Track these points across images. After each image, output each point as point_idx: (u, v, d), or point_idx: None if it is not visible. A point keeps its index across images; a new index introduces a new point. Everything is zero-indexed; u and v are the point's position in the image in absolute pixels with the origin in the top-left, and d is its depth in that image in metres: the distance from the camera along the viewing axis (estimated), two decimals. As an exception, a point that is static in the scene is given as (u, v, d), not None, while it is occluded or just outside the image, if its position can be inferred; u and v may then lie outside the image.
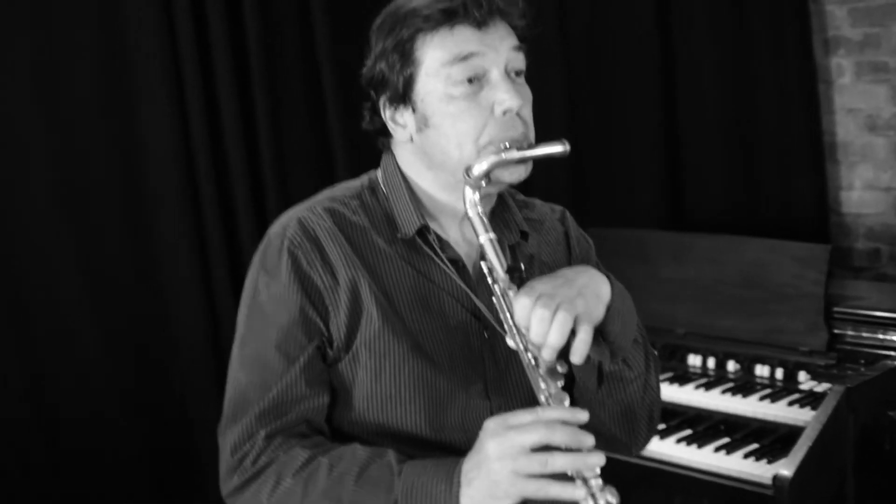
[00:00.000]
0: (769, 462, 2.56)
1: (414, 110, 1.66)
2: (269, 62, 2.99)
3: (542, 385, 1.48)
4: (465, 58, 1.60)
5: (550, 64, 3.53)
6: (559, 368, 1.49)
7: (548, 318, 1.45)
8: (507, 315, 1.53)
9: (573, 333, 1.47)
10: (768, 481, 2.46)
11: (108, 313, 2.82)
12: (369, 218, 1.68)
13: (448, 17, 1.60)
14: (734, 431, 2.73)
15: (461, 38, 1.61)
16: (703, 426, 2.79)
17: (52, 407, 2.75)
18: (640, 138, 3.66)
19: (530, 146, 1.61)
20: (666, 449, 2.72)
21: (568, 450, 1.43)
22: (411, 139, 1.68)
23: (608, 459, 1.43)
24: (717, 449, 2.66)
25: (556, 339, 1.45)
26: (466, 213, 1.58)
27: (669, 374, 2.95)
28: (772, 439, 2.66)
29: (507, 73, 1.63)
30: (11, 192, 2.69)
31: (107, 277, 2.83)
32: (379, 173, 1.75)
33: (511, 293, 1.52)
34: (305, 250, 1.61)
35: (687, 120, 3.66)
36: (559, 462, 1.40)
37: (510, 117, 1.61)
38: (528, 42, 1.68)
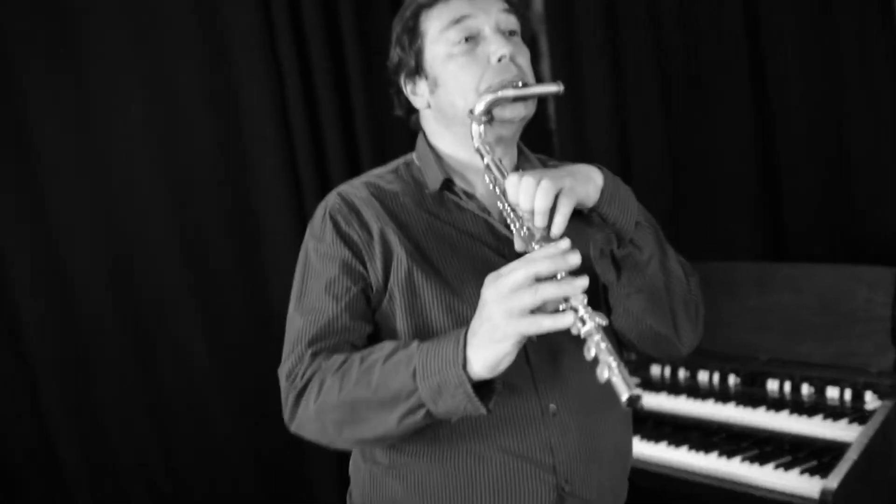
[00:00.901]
0: (822, 478, 2.62)
1: (426, 77, 1.88)
2: (369, 92, 3.36)
3: (537, 248, 1.61)
4: (458, 20, 1.83)
5: (648, 92, 3.74)
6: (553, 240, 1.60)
7: (533, 185, 1.61)
8: (504, 202, 1.69)
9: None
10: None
11: (216, 324, 3.24)
12: (401, 185, 1.92)
13: None
14: (798, 451, 2.79)
15: (454, 5, 1.85)
16: (771, 447, 2.87)
17: (166, 410, 3.17)
18: (734, 166, 3.75)
19: (525, 85, 1.79)
20: (733, 468, 2.82)
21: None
22: (429, 105, 1.91)
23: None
24: (777, 466, 2.73)
25: (541, 202, 1.59)
26: (474, 147, 1.77)
27: (746, 399, 3.04)
28: (830, 457, 2.71)
29: (499, 30, 1.84)
30: (130, 210, 3.14)
31: (216, 288, 3.25)
32: (413, 153, 2.00)
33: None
34: (344, 214, 1.86)
35: (783, 146, 3.71)
36: (548, 290, 1.50)
37: (504, 64, 1.80)
38: (517, 9, 1.88)
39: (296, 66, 3.32)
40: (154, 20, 3.20)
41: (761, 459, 2.79)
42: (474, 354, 1.58)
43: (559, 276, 1.54)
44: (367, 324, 1.84)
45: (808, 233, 3.67)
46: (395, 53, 1.94)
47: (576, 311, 1.50)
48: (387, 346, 1.72)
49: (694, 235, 3.76)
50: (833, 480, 2.51)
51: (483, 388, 1.62)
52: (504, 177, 1.71)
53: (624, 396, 1.43)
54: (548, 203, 1.60)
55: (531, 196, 1.61)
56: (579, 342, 1.52)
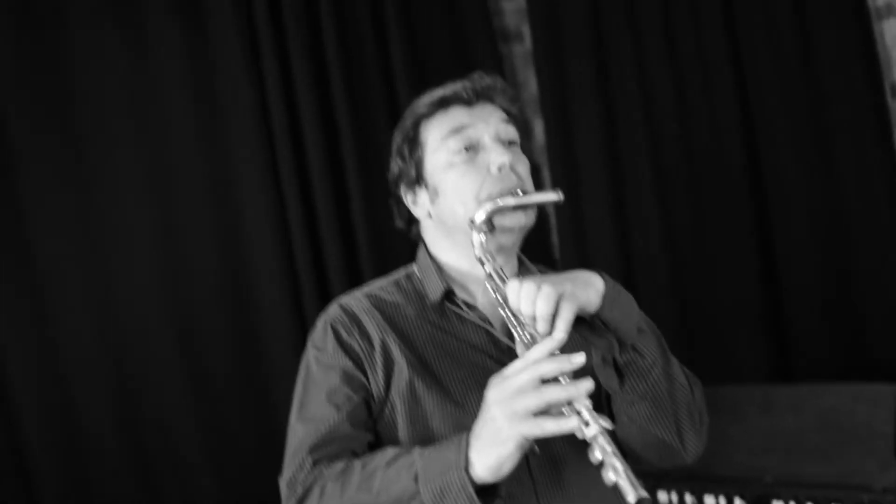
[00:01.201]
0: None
1: (426, 187, 1.91)
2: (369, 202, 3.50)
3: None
4: (458, 129, 1.87)
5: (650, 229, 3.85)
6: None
7: (534, 291, 1.62)
8: (506, 309, 1.70)
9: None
10: None
11: (219, 440, 3.31)
12: (402, 297, 1.94)
13: (441, 104, 1.91)
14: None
15: (454, 115, 1.90)
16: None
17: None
18: (738, 291, 3.80)
19: (525, 193, 1.83)
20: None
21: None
22: (429, 214, 1.93)
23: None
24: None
25: (542, 307, 1.59)
26: (475, 255, 1.78)
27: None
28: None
29: (498, 139, 1.88)
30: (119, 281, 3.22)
31: (217, 400, 3.31)
32: (414, 265, 2.02)
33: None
34: (345, 324, 1.88)
35: (785, 267, 3.76)
36: (552, 392, 1.52)
37: (505, 173, 1.84)
38: (516, 119, 1.93)
39: (296, 183, 3.49)
40: (159, 135, 3.37)
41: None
42: (477, 457, 1.58)
43: (563, 380, 1.56)
44: (369, 433, 1.85)
45: (811, 350, 3.67)
46: (395, 164, 1.98)
47: (580, 414, 1.51)
48: (388, 451, 1.73)
49: (699, 354, 3.78)
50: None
51: (485, 494, 1.61)
52: (505, 283, 1.73)
53: (632, 499, 1.43)
54: (549, 308, 1.61)
55: (532, 301, 1.62)
56: (581, 451, 1.54)
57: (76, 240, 3.24)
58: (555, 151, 4.00)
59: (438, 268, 1.96)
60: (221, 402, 3.36)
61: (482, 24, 3.92)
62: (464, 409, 1.81)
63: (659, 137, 3.90)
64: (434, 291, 1.92)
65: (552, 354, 1.57)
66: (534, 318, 1.62)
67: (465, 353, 1.87)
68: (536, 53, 4.03)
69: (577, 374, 1.62)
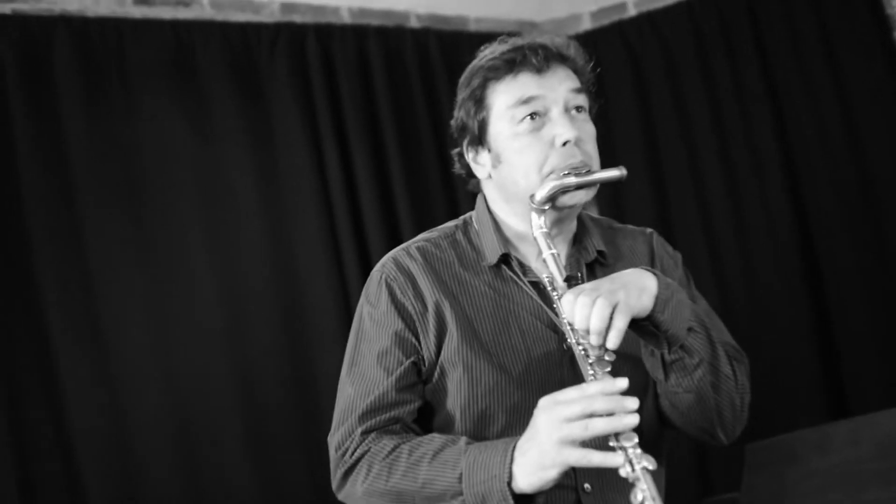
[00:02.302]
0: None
1: (489, 150, 1.93)
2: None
3: (590, 371, 1.65)
4: (526, 101, 1.88)
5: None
6: (606, 357, 1.66)
7: (588, 306, 1.64)
8: (562, 315, 1.72)
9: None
10: None
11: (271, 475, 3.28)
12: (457, 253, 1.96)
13: (511, 67, 1.90)
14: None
15: (523, 83, 1.88)
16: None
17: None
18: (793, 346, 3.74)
19: (588, 172, 1.84)
20: None
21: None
22: (490, 176, 1.96)
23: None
24: None
25: (596, 323, 1.63)
26: (533, 235, 1.83)
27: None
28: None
29: (566, 110, 1.88)
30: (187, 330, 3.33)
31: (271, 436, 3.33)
32: (473, 213, 2.05)
33: None
34: (400, 283, 1.91)
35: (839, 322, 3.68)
36: (599, 425, 1.56)
37: (569, 148, 1.85)
38: (587, 87, 1.94)
39: (355, 262, 3.62)
40: (223, 211, 3.57)
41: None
42: (521, 473, 1.64)
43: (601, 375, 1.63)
44: (417, 398, 1.89)
45: (866, 382, 3.54)
46: (459, 116, 1.99)
47: (625, 451, 1.55)
48: (435, 440, 1.78)
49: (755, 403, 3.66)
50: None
51: (524, 499, 1.67)
52: (561, 274, 1.77)
53: None
54: (603, 325, 1.65)
55: (586, 317, 1.65)
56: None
57: (141, 299, 3.38)
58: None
59: (496, 225, 1.97)
60: (278, 454, 3.38)
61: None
62: (510, 376, 1.84)
63: (709, 214, 3.97)
64: (492, 253, 1.94)
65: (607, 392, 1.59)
66: (587, 331, 1.66)
67: (516, 315, 1.89)
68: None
69: (629, 360, 1.75)
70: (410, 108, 3.91)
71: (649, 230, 2.13)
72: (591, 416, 1.56)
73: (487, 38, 3.79)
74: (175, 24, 3.55)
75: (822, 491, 3.01)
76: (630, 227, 2.14)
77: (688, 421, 1.90)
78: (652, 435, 1.97)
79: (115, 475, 3.18)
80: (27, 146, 3.20)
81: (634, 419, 1.55)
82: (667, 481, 3.66)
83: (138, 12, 3.52)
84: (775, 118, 3.97)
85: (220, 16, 3.66)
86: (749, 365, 1.99)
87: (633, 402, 1.55)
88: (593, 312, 1.63)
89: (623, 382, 1.58)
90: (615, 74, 4.12)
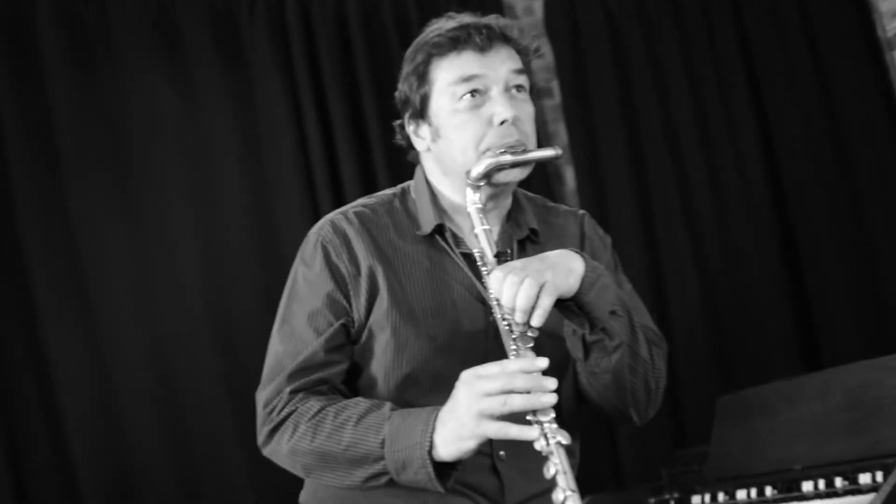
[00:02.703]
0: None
1: (430, 124, 1.98)
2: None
3: (514, 346, 1.73)
4: (468, 78, 1.92)
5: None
6: (530, 333, 1.74)
7: (516, 284, 1.70)
8: (490, 290, 1.79)
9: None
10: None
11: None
12: (393, 220, 2.01)
13: (455, 44, 1.94)
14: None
15: (466, 60, 1.93)
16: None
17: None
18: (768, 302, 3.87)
19: (524, 151, 1.89)
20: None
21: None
22: (429, 149, 2.01)
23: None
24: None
25: (522, 302, 1.70)
26: (467, 210, 1.89)
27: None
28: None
29: (506, 89, 1.92)
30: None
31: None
32: (411, 182, 2.10)
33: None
34: (335, 245, 1.95)
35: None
36: (517, 401, 1.64)
37: (507, 127, 1.90)
38: (528, 68, 1.99)
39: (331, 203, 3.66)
40: (206, 168, 3.64)
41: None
42: (441, 443, 1.71)
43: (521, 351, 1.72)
44: (346, 359, 1.94)
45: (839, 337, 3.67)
46: (402, 89, 2.04)
47: (541, 425, 1.63)
48: (361, 404, 1.84)
49: (730, 358, 3.80)
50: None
51: (443, 465, 1.75)
52: (492, 250, 1.83)
53: None
54: (529, 304, 1.71)
55: (513, 296, 1.72)
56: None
57: (126, 263, 3.46)
58: (585, 196, 4.14)
59: (433, 196, 2.03)
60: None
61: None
62: (436, 342, 1.90)
63: (686, 179, 4.05)
64: (427, 223, 2.00)
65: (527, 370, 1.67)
66: (513, 309, 1.72)
67: (447, 285, 1.96)
68: (566, 106, 4.23)
69: (551, 337, 1.82)
70: (388, 66, 3.93)
71: (581, 212, 2.20)
72: (510, 392, 1.64)
73: (465, 3, 3.85)
74: (157, -11, 3.57)
75: (790, 442, 3.12)
76: (563, 206, 2.21)
77: (603, 400, 1.97)
78: (570, 410, 2.05)
79: (101, 436, 3.27)
80: (11, 111, 3.27)
81: (552, 398, 1.63)
82: (636, 437, 3.83)
83: (121, -25, 3.54)
84: (749, 77, 4.05)
85: (200, -23, 3.68)
86: (667, 350, 2.08)
87: (552, 383, 1.64)
88: (520, 291, 1.69)
89: (543, 362, 1.66)
90: (592, 36, 4.17)
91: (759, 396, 3.30)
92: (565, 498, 1.58)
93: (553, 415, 1.65)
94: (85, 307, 3.34)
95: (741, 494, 3.09)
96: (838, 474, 2.89)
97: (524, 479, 1.89)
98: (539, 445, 1.62)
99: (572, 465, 1.91)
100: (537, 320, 1.72)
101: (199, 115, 3.65)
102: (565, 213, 2.18)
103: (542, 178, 4.12)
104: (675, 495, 3.30)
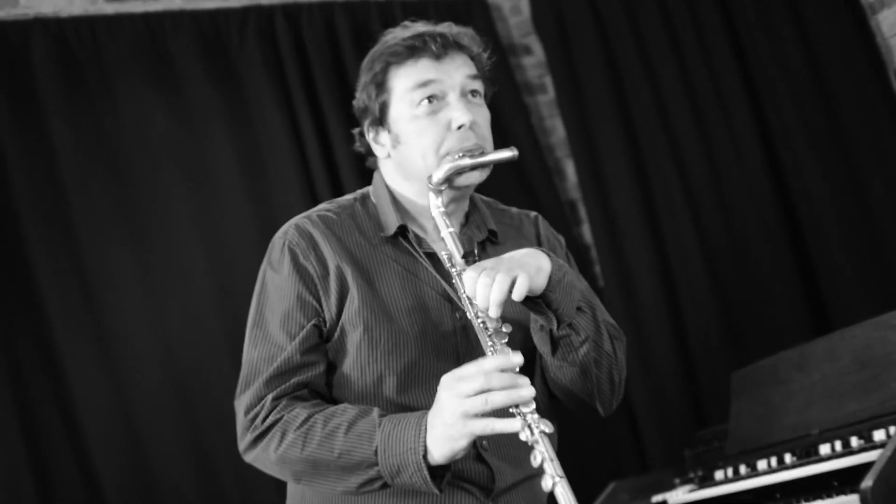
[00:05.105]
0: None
1: (389, 131, 2.01)
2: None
3: (489, 343, 1.78)
4: (425, 84, 1.94)
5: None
6: (503, 329, 1.79)
7: (489, 283, 1.75)
8: (462, 290, 1.84)
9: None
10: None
11: None
12: (356, 224, 2.04)
13: (412, 52, 1.96)
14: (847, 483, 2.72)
15: (422, 67, 1.96)
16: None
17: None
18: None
19: (482, 154, 1.94)
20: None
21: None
22: (389, 155, 2.04)
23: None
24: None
25: (496, 296, 1.74)
26: (431, 214, 1.94)
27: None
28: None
29: (463, 94, 1.97)
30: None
31: None
32: (370, 188, 2.13)
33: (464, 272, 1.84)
34: (302, 247, 1.98)
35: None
36: (497, 398, 1.69)
37: (464, 131, 1.94)
38: (483, 73, 2.02)
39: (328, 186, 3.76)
40: (206, 186, 3.68)
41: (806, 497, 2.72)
42: (434, 447, 1.75)
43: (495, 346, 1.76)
44: (322, 359, 1.97)
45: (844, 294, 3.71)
46: (361, 98, 2.07)
47: (524, 416, 1.68)
48: (348, 411, 1.87)
49: (742, 333, 3.83)
50: (868, 480, 2.43)
51: (436, 466, 1.79)
52: (459, 251, 1.88)
53: None
54: (503, 297, 1.75)
55: (486, 296, 1.76)
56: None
57: (135, 282, 3.51)
58: (587, 187, 4.18)
59: (394, 199, 2.06)
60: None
61: (505, 81, 4.18)
62: (408, 338, 1.94)
63: (683, 162, 4.09)
64: (389, 225, 2.02)
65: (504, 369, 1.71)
66: (487, 308, 1.77)
67: (413, 284, 1.99)
68: (560, 101, 4.28)
69: (521, 329, 1.88)
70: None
71: (534, 214, 2.24)
72: (489, 390, 1.68)
73: (452, 7, 3.90)
74: (147, 17, 3.65)
75: (805, 408, 3.15)
76: (515, 209, 2.24)
77: (568, 392, 2.01)
78: (543, 400, 2.07)
79: (123, 450, 3.32)
80: (13, 143, 3.34)
81: (531, 391, 1.68)
82: (659, 420, 3.85)
83: (111, 8, 3.61)
84: (738, 59, 4.08)
85: (189, 5, 3.75)
86: (625, 343, 2.10)
87: (525, 380, 1.69)
88: (494, 287, 1.73)
89: (518, 357, 1.71)
90: (580, 30, 4.22)
91: (771, 367, 3.33)
92: (554, 484, 1.63)
93: (534, 406, 1.70)
94: (98, 325, 3.38)
95: (762, 464, 3.10)
96: (854, 434, 2.91)
97: (510, 465, 1.92)
98: (524, 436, 1.66)
99: (554, 447, 1.99)
100: (517, 296, 1.76)
101: (197, 137, 3.70)
102: (519, 215, 2.23)
103: (543, 175, 4.18)
104: (699, 473, 3.32)
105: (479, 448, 1.92)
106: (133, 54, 3.59)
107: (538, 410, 1.71)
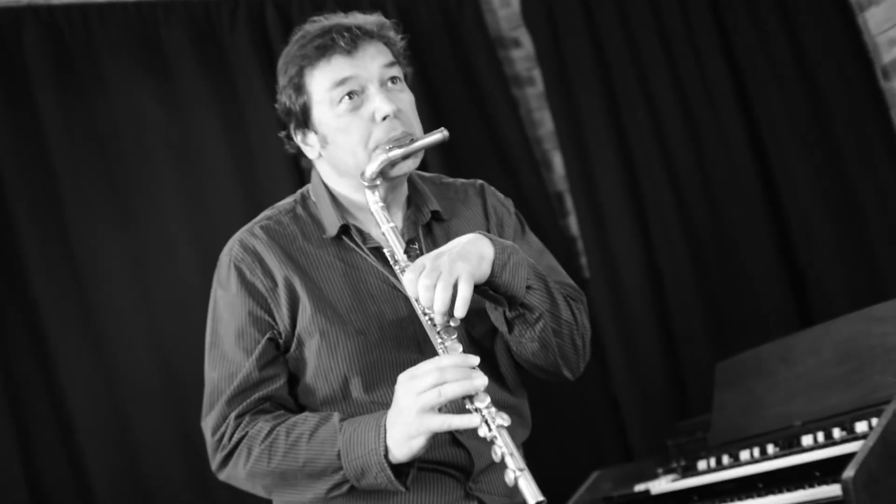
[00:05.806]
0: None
1: (316, 132, 2.00)
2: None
3: (439, 340, 1.80)
4: (342, 82, 1.92)
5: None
6: (452, 324, 1.80)
7: (430, 287, 1.75)
8: (406, 290, 1.83)
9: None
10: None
11: None
12: (299, 227, 2.04)
13: (323, 52, 1.93)
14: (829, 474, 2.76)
15: (336, 65, 1.92)
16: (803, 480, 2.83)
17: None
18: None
19: (412, 141, 1.92)
20: None
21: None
22: (320, 155, 2.03)
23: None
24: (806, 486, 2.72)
25: (440, 304, 1.75)
26: (371, 210, 1.93)
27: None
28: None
29: (382, 84, 1.95)
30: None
31: None
32: (309, 186, 2.13)
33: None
34: (248, 263, 1.98)
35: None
36: (451, 390, 1.71)
37: (390, 121, 1.92)
38: (398, 59, 2.00)
39: None
40: (196, 172, 3.71)
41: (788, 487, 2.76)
42: (394, 446, 1.78)
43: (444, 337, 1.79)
44: (283, 372, 1.98)
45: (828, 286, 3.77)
46: (282, 101, 2.03)
47: (480, 412, 1.71)
48: (309, 419, 1.90)
49: (727, 324, 3.87)
50: (850, 470, 2.47)
51: (401, 465, 1.82)
52: (401, 246, 1.89)
53: (531, 501, 1.64)
54: (446, 306, 1.75)
55: (430, 299, 1.76)
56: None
57: (126, 272, 3.52)
58: (574, 179, 4.21)
59: (333, 198, 2.05)
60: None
61: (494, 74, 4.21)
62: (366, 336, 1.95)
63: (670, 155, 4.13)
64: (331, 225, 2.02)
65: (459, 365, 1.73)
66: (432, 308, 1.77)
67: (363, 281, 2.00)
68: (549, 94, 4.31)
69: (477, 312, 1.88)
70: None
71: (479, 182, 2.24)
72: (443, 384, 1.70)
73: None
74: (138, 5, 3.66)
75: (788, 400, 3.19)
76: (460, 180, 2.24)
77: (534, 364, 2.02)
78: (512, 377, 2.09)
79: (113, 442, 3.34)
80: (4, 130, 3.36)
81: (484, 380, 1.70)
82: (642, 410, 3.89)
83: (102, -4, 3.62)
84: (725, 52, 4.11)
85: (180, -7, 3.77)
86: (587, 300, 2.13)
87: (483, 380, 1.70)
88: (436, 294, 1.73)
89: (475, 359, 1.73)
90: (570, 23, 4.25)
91: (755, 359, 3.37)
92: (516, 478, 1.66)
93: (489, 400, 1.72)
94: (88, 316, 3.40)
95: (744, 455, 3.14)
96: (836, 426, 2.95)
97: (487, 446, 1.93)
98: (483, 432, 1.69)
99: (525, 430, 2.07)
100: (460, 312, 1.75)
101: (188, 125, 3.72)
102: (464, 186, 2.22)
103: (530, 167, 4.20)
104: (682, 463, 3.36)
105: (454, 432, 1.93)
106: (124, 42, 3.60)
107: (507, 386, 1.76)
